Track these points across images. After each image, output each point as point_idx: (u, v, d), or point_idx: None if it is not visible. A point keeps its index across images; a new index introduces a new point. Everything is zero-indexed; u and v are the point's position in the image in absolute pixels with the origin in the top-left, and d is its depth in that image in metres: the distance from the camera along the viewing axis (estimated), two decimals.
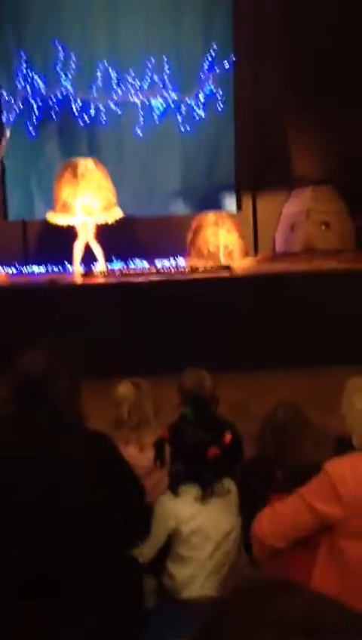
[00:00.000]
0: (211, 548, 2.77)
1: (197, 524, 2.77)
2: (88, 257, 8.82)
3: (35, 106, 9.61)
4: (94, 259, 8.74)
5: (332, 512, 2.27)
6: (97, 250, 8.64)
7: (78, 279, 8.19)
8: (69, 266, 9.10)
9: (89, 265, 8.79)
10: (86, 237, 8.63)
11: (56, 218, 8.64)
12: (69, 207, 8.48)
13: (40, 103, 9.60)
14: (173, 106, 9.73)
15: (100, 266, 8.64)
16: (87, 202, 8.40)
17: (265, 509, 2.48)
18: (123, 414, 3.51)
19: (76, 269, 8.63)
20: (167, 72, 9.66)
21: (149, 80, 9.64)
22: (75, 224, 8.63)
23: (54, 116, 9.66)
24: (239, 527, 2.87)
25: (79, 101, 9.64)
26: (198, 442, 2.77)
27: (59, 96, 9.61)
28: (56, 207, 8.64)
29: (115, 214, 8.64)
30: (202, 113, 9.75)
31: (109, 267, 8.77)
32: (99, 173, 8.59)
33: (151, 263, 9.07)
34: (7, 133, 9.36)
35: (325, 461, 2.37)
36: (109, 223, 8.64)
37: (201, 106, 9.75)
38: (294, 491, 2.42)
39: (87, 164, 8.55)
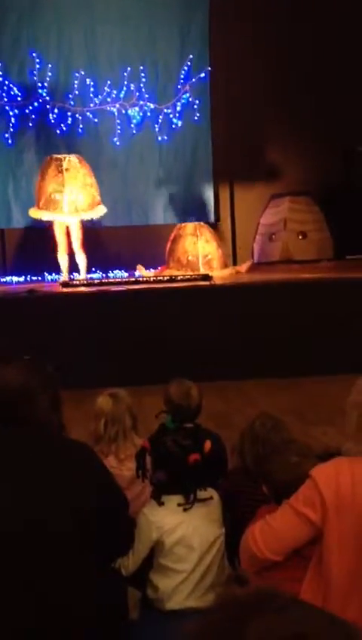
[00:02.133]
0: (195, 558, 2.76)
1: (181, 534, 2.76)
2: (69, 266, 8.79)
3: (11, 114, 9.59)
4: (76, 269, 8.68)
5: (319, 517, 2.29)
6: (81, 260, 8.56)
7: (58, 288, 8.15)
8: (47, 275, 9.07)
9: (68, 274, 8.76)
10: (66, 245, 8.55)
11: (41, 214, 8.50)
12: (55, 203, 8.38)
13: (17, 112, 9.58)
14: (149, 115, 9.75)
15: (82, 275, 8.60)
16: (73, 198, 8.33)
17: (257, 523, 2.47)
18: (100, 428, 3.50)
19: (65, 275, 8.59)
20: (144, 81, 9.70)
21: (125, 89, 9.67)
22: (60, 221, 8.51)
23: (31, 125, 9.65)
24: (223, 537, 2.87)
25: (56, 110, 9.64)
26: (179, 449, 2.77)
27: (36, 105, 9.60)
28: (39, 203, 8.52)
29: (100, 211, 8.59)
30: (179, 122, 9.79)
31: (88, 277, 8.74)
32: (84, 169, 8.55)
33: (130, 272, 9.08)
34: None
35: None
36: (94, 219, 8.56)
37: (178, 116, 9.78)
38: (283, 503, 2.42)
39: (70, 160, 8.50)
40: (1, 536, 2.13)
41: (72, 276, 8.67)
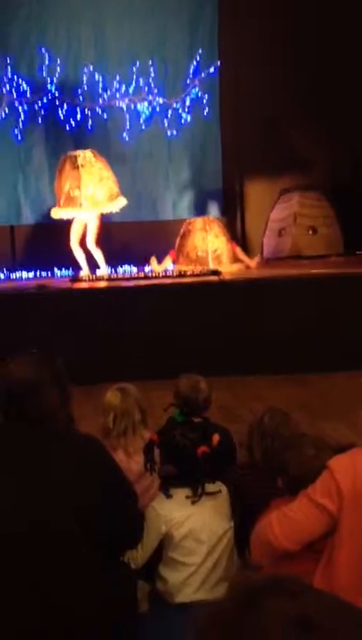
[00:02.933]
0: (204, 551, 2.77)
1: (189, 527, 2.77)
2: (75, 262, 8.81)
3: (21, 110, 9.60)
4: (95, 264, 8.69)
5: (336, 507, 2.28)
6: (98, 256, 8.59)
7: (67, 284, 8.15)
8: (57, 271, 9.08)
9: (78, 270, 8.78)
10: (79, 236, 8.58)
11: (61, 213, 8.51)
12: (73, 199, 8.38)
13: (26, 108, 9.59)
14: (158, 110, 9.75)
15: (103, 269, 8.60)
16: (90, 192, 8.33)
17: (273, 513, 2.45)
18: (109, 422, 3.51)
19: (85, 270, 8.61)
20: (153, 76, 9.69)
21: (134, 84, 9.66)
22: (83, 216, 8.53)
23: (40, 121, 9.66)
24: (232, 531, 2.87)
25: (65, 106, 9.64)
26: (187, 441, 2.78)
27: (45, 101, 9.61)
28: (59, 202, 8.54)
29: (120, 203, 8.58)
30: (188, 117, 9.78)
31: (98, 272, 8.76)
32: (99, 163, 8.54)
33: (140, 267, 9.08)
34: None
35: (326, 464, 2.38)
36: (114, 212, 8.57)
37: (187, 111, 9.77)
38: (299, 494, 2.41)
39: (85, 155, 8.50)
40: (5, 537, 2.13)
41: (80, 272, 8.68)
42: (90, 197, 8.35)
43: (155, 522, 2.78)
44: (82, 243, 8.62)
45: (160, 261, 8.85)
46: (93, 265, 8.70)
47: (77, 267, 8.78)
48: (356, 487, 2.26)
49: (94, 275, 8.47)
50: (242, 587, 0.88)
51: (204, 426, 2.92)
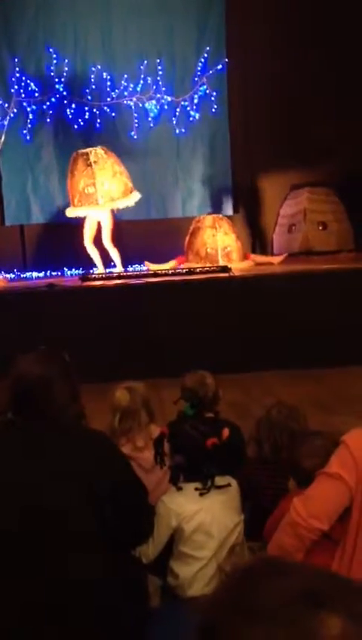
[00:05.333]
0: (214, 545, 2.77)
1: (199, 521, 2.77)
2: (88, 261, 8.84)
3: (29, 110, 9.63)
4: (111, 263, 8.73)
5: (353, 478, 2.26)
6: (115, 255, 8.61)
7: (77, 282, 8.18)
8: (67, 270, 9.11)
9: (87, 268, 8.80)
10: (92, 235, 8.60)
11: (77, 211, 8.52)
12: (89, 197, 8.39)
13: (34, 108, 9.62)
14: (167, 108, 9.75)
15: (118, 268, 8.61)
16: (106, 188, 8.35)
17: (294, 499, 2.42)
18: (116, 421, 3.52)
19: (100, 269, 8.64)
20: (161, 74, 9.70)
21: (142, 83, 9.67)
22: (96, 214, 8.53)
23: (49, 120, 9.68)
24: (242, 524, 2.87)
25: (73, 105, 9.66)
26: (197, 433, 2.79)
27: (54, 101, 9.64)
28: (73, 201, 8.55)
29: (135, 197, 8.59)
30: (196, 115, 9.77)
31: (107, 270, 8.77)
32: (111, 159, 8.56)
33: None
34: (2, 139, 9.38)
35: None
36: (131, 206, 8.60)
37: (195, 108, 9.77)
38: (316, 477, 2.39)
39: (97, 152, 8.52)
40: (16, 527, 2.14)
41: (92, 270, 8.70)
42: (106, 193, 8.37)
43: (165, 516, 2.79)
44: (95, 242, 8.64)
45: (165, 262, 8.88)
46: (108, 263, 8.73)
47: (88, 266, 8.80)
48: None
49: (104, 274, 8.49)
50: (235, 574, 0.89)
51: (214, 420, 2.92)
